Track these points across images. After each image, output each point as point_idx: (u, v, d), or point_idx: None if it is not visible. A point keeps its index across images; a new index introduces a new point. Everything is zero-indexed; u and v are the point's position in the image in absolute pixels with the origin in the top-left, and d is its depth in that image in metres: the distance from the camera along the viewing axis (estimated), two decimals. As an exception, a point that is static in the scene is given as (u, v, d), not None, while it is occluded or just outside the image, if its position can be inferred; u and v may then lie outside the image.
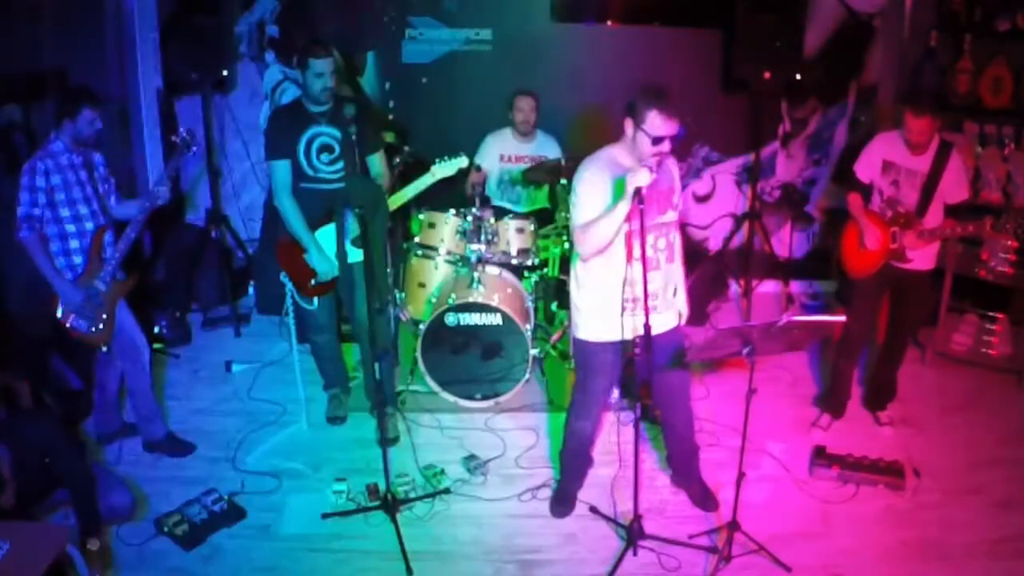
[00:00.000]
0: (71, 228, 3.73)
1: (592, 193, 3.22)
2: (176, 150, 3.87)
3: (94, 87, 3.89)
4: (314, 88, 3.88)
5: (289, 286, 4.14)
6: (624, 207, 3.07)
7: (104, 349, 3.92)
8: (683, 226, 5.72)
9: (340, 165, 3.99)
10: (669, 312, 3.52)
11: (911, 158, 3.95)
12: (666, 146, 3.11)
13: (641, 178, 3.02)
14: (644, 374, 3.31)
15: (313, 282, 4.11)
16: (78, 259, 3.77)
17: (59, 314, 3.75)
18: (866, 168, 4.11)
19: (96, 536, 3.16)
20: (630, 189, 3.02)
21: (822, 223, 6.00)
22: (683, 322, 3.63)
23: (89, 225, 3.77)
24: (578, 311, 3.50)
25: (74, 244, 3.75)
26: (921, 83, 5.20)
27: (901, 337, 4.31)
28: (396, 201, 4.21)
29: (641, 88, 3.16)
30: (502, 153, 5.19)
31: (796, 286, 5.99)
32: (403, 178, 4.57)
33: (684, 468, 3.87)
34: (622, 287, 3.33)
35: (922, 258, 4.05)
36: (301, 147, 3.96)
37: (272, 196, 4.12)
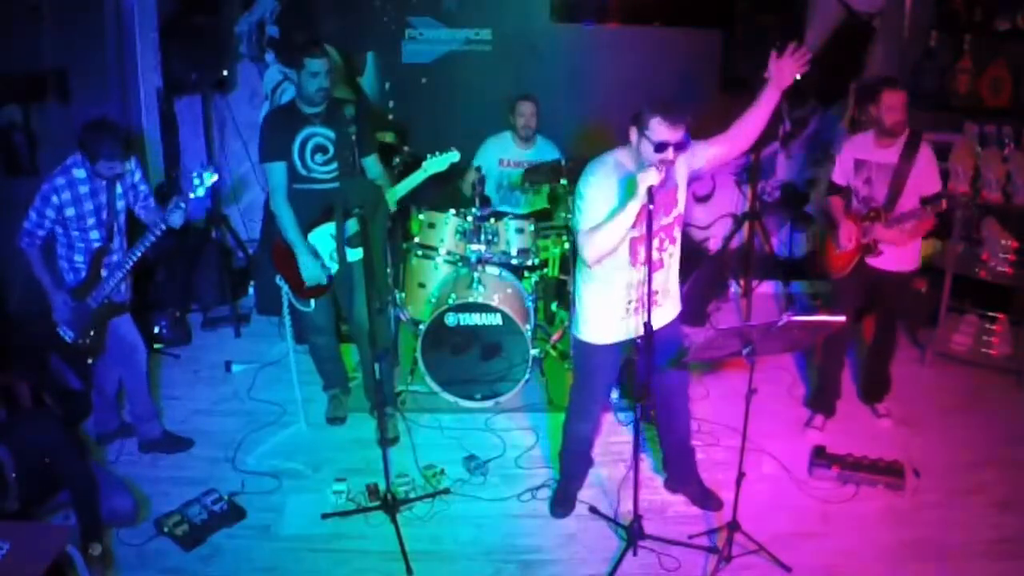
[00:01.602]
0: (80, 245, 3.74)
1: (599, 197, 3.19)
2: (186, 184, 3.76)
3: (93, 87, 3.85)
4: (309, 88, 3.87)
5: (285, 288, 4.13)
6: (635, 206, 3.05)
7: (89, 361, 3.89)
8: (683, 226, 5.75)
9: (334, 166, 3.99)
10: (668, 303, 3.50)
11: (881, 152, 4.00)
12: (670, 153, 3.08)
13: (651, 176, 3.01)
14: (644, 375, 3.30)
15: (308, 284, 4.10)
16: (82, 272, 3.77)
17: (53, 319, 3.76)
18: (841, 173, 4.17)
19: (98, 540, 3.16)
20: (642, 188, 3.00)
21: (821, 223, 6.01)
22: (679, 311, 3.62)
23: (99, 245, 3.76)
24: (579, 312, 3.48)
25: (79, 258, 3.75)
26: (921, 83, 5.19)
27: (888, 333, 4.33)
28: (392, 198, 4.20)
29: (647, 99, 3.15)
30: (501, 158, 5.16)
31: (796, 286, 5.99)
32: (402, 178, 4.56)
33: (680, 470, 3.86)
34: (625, 290, 3.32)
35: (900, 258, 4.07)
36: (295, 148, 3.95)
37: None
